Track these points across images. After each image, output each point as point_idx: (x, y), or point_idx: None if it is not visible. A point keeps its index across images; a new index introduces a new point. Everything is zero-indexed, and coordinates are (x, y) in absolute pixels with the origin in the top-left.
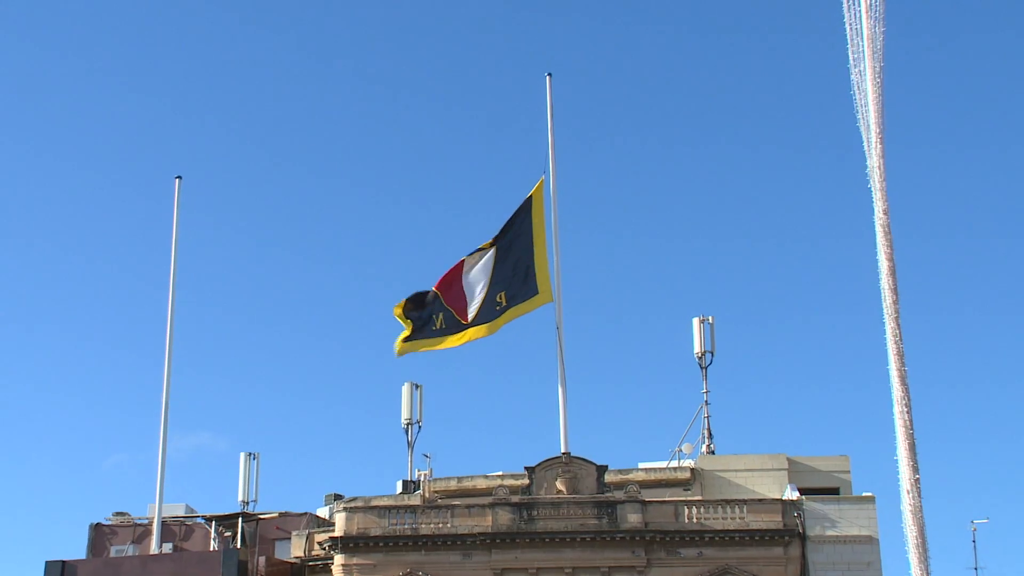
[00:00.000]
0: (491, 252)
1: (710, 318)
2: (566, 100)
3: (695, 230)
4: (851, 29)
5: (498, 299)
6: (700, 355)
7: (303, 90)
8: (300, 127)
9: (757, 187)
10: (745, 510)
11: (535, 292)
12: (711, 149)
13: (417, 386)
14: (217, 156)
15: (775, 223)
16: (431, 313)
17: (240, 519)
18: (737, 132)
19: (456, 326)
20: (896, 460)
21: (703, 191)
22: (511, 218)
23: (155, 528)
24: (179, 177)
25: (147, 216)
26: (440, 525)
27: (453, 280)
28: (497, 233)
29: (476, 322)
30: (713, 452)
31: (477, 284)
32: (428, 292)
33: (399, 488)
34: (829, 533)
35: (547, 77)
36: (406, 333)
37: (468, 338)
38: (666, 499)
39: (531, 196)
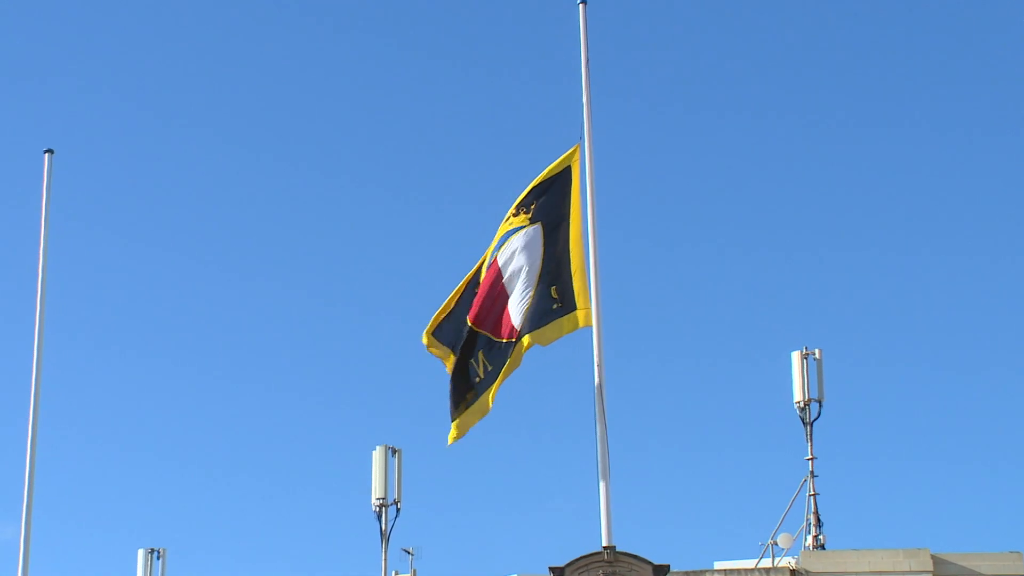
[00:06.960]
0: (535, 229)
1: (816, 352)
2: (605, 38)
3: (791, 226)
4: None
5: (553, 294)
6: (802, 405)
7: (234, 29)
8: (232, 75)
9: (879, 163)
10: None
11: (573, 307)
12: (809, 111)
13: (394, 451)
14: (102, 124)
15: (907, 215)
16: (469, 359)
17: None
18: (844, 85)
19: (501, 353)
20: None
21: (803, 170)
22: (546, 183)
23: None
24: (50, 151)
25: (5, 201)
26: None
27: (488, 291)
28: (533, 202)
29: (526, 329)
30: (823, 547)
31: (519, 274)
32: (461, 327)
33: None
34: None
35: (580, 6)
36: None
37: (521, 352)
38: None
39: (570, 167)
